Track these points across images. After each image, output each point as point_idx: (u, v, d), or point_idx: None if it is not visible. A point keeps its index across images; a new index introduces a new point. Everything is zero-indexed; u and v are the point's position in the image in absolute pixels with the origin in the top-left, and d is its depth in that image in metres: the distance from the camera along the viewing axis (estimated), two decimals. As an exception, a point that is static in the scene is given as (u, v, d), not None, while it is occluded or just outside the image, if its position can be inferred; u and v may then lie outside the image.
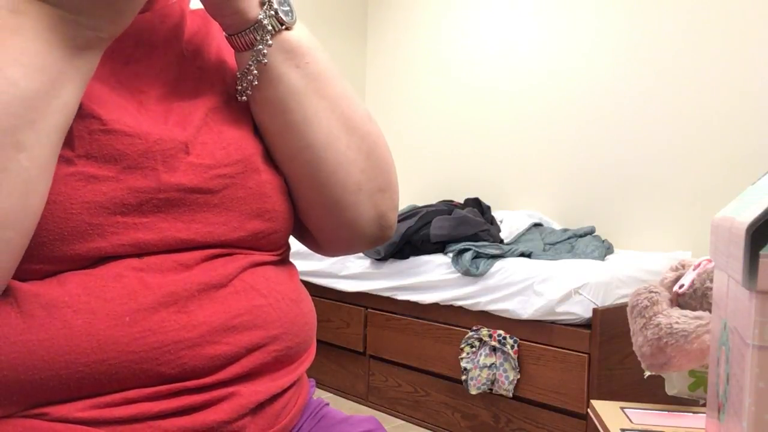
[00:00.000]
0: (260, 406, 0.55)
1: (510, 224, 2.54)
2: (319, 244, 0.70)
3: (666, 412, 0.80)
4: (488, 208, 2.59)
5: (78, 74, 0.49)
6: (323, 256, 2.57)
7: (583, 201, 2.73)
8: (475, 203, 2.59)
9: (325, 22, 3.52)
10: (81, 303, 0.49)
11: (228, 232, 0.56)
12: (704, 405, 0.82)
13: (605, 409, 0.80)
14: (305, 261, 2.59)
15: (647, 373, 0.83)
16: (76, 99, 0.49)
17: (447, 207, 2.50)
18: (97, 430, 0.49)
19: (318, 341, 2.64)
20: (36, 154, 0.46)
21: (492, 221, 2.49)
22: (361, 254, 2.44)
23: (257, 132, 0.62)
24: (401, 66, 3.55)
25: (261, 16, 0.57)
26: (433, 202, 2.81)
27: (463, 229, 2.27)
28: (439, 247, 2.27)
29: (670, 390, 0.83)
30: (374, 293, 2.42)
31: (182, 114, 0.58)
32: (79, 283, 0.50)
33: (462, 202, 2.68)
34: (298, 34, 0.60)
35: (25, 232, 0.47)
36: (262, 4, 0.58)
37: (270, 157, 0.62)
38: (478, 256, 2.13)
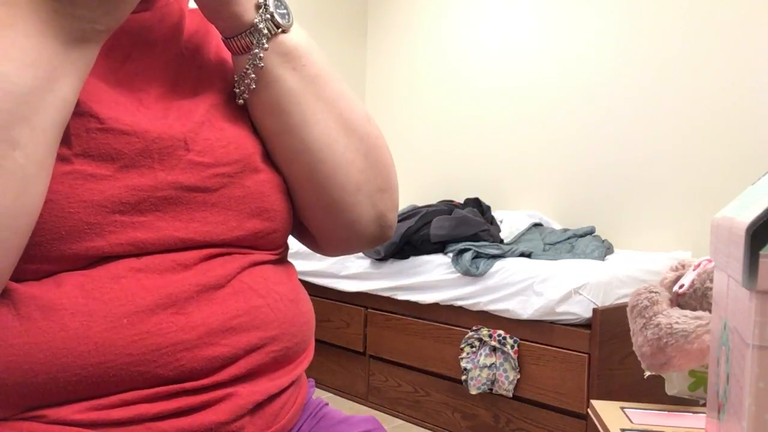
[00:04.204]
0: (258, 407, 0.55)
1: (510, 224, 2.54)
2: (318, 244, 0.70)
3: (666, 412, 0.80)
4: (488, 208, 2.59)
5: (74, 69, 0.48)
6: (323, 256, 2.57)
7: (583, 201, 2.73)
8: (475, 203, 2.59)
9: (325, 23, 3.52)
10: (78, 305, 0.49)
11: (227, 231, 0.56)
12: (704, 405, 0.82)
13: (605, 409, 0.80)
14: (305, 261, 2.59)
15: (647, 373, 0.83)
16: (73, 94, 0.48)
17: (447, 207, 2.50)
18: None
19: (318, 341, 2.64)
20: (32, 151, 0.45)
21: (492, 221, 2.49)
22: (361, 254, 2.44)
23: (257, 131, 0.62)
24: (401, 66, 3.55)
25: (257, 20, 0.57)
26: (433, 202, 2.81)
27: (463, 229, 2.27)
28: (439, 247, 2.27)
29: (670, 390, 0.83)
30: (374, 293, 2.42)
31: (183, 110, 0.58)
32: (76, 284, 0.50)
33: (462, 202, 2.68)
34: (295, 37, 0.60)
35: (22, 232, 0.46)
36: (258, 8, 0.57)
37: (270, 156, 0.62)
38: (478, 256, 2.13)
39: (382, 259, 2.37)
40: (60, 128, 0.48)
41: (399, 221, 2.38)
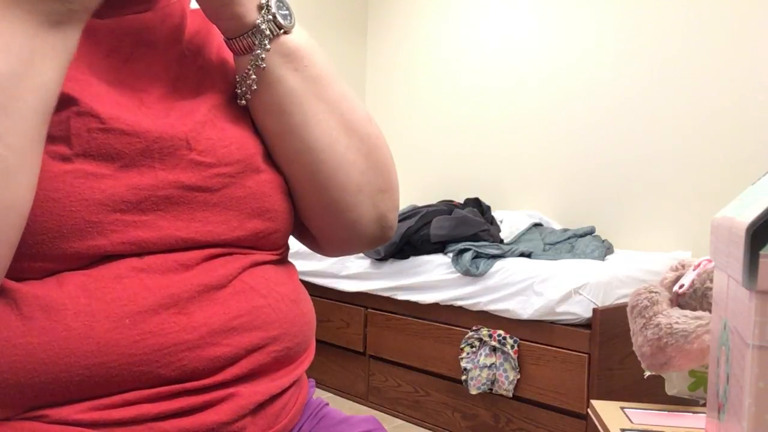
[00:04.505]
0: (260, 407, 0.55)
1: (510, 224, 2.54)
2: (319, 245, 0.70)
3: (666, 412, 0.80)
4: (488, 208, 2.59)
5: (53, 53, 0.46)
6: (323, 256, 2.57)
7: (583, 201, 2.73)
8: (475, 203, 2.59)
9: (325, 23, 3.52)
10: (81, 305, 0.49)
11: (228, 231, 0.56)
12: (704, 405, 0.82)
13: (605, 409, 0.80)
14: (305, 261, 2.59)
15: (647, 373, 0.83)
16: (55, 80, 0.47)
17: (447, 207, 2.50)
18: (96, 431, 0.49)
19: (318, 341, 2.64)
20: (12, 140, 0.44)
21: (492, 221, 2.49)
22: (361, 254, 2.44)
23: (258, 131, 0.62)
24: (401, 66, 3.55)
25: (259, 21, 0.57)
26: (433, 202, 2.81)
27: (463, 229, 2.27)
28: (439, 247, 2.27)
29: (670, 390, 0.83)
30: (374, 293, 2.42)
31: (184, 110, 0.58)
32: (78, 284, 0.50)
33: (462, 202, 2.68)
34: (297, 38, 0.60)
35: (11, 225, 0.45)
36: (260, 9, 0.57)
37: (271, 157, 0.62)
38: (478, 256, 2.13)
39: (382, 259, 2.37)
40: (42, 116, 0.47)
41: (399, 221, 2.38)
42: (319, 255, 2.33)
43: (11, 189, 0.45)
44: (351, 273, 2.48)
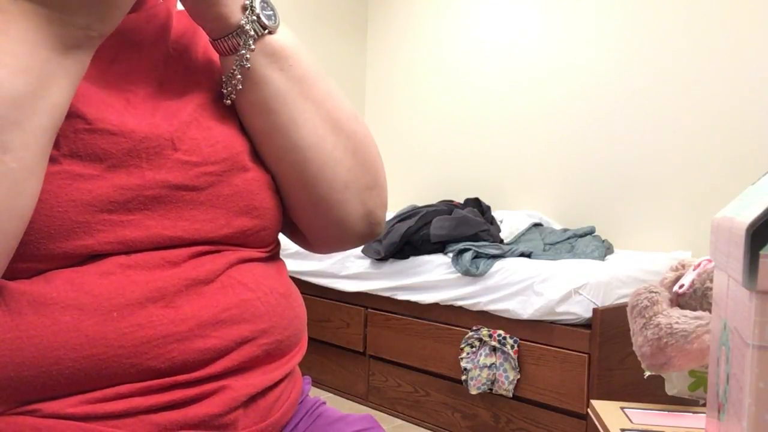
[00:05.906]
0: (252, 399, 0.56)
1: (510, 224, 2.54)
2: (308, 242, 0.71)
3: (666, 412, 0.80)
4: (488, 208, 2.59)
5: (67, 74, 0.48)
6: (323, 256, 2.57)
7: (583, 201, 2.73)
8: (475, 203, 2.59)
9: (325, 23, 3.52)
10: (68, 299, 0.50)
11: (215, 229, 0.57)
12: (704, 405, 0.82)
13: (605, 409, 0.80)
14: (305, 261, 2.58)
15: (647, 373, 0.83)
16: (65, 100, 0.49)
17: (447, 207, 2.49)
18: (88, 425, 0.49)
19: (318, 341, 2.64)
20: (22, 155, 0.46)
21: (492, 221, 2.49)
22: (361, 254, 2.44)
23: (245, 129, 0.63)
24: (401, 66, 3.55)
25: (243, 22, 0.57)
26: (433, 202, 2.81)
27: (463, 229, 2.27)
28: (439, 247, 2.27)
29: (670, 390, 0.83)
30: (374, 293, 2.42)
31: (170, 110, 0.58)
32: (66, 279, 0.50)
33: (462, 202, 2.68)
34: (282, 38, 0.60)
35: (13, 234, 0.47)
36: (244, 9, 0.58)
37: (258, 155, 0.62)
38: (478, 256, 2.13)
39: (382, 259, 2.37)
40: (51, 133, 0.48)
41: (399, 221, 2.38)
42: (319, 255, 2.32)
43: (18, 200, 0.46)
44: (351, 273, 2.48)
